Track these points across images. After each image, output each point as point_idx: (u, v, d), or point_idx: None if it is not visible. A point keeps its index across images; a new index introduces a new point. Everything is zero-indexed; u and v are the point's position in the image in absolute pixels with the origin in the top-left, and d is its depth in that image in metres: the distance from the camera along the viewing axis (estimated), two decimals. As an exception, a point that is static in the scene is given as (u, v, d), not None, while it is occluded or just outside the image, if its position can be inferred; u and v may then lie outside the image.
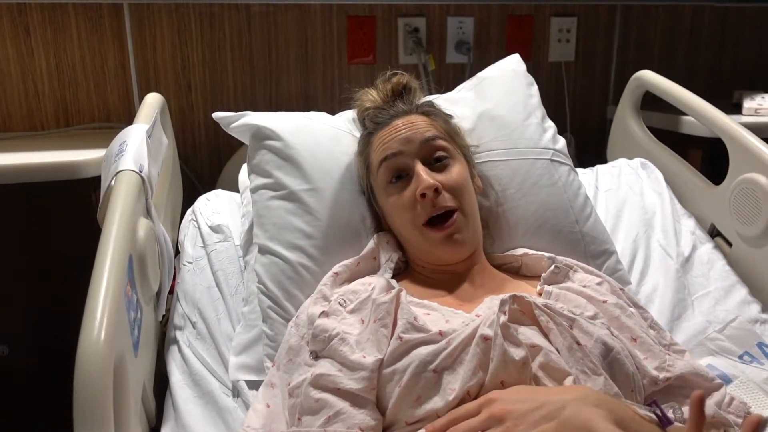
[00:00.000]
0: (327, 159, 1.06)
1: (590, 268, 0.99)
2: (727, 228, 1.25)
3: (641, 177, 1.36)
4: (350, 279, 0.96)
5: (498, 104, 1.17)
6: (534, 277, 0.98)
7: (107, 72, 1.57)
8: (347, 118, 1.15)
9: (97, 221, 0.89)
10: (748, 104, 1.68)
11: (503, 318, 0.78)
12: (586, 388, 0.73)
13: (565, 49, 1.89)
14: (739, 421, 0.81)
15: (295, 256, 1.00)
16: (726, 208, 1.24)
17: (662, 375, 0.82)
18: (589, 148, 1.91)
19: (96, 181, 1.03)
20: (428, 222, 0.92)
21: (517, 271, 1.03)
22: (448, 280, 0.94)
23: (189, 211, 1.22)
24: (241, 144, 1.21)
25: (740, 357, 1.04)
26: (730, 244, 1.25)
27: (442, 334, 0.78)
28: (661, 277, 1.17)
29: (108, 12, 1.54)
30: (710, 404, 0.81)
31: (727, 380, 0.96)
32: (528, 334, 0.79)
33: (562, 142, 1.18)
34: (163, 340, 1.06)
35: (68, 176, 1.19)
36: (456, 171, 0.95)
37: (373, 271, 0.98)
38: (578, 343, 0.78)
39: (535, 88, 1.23)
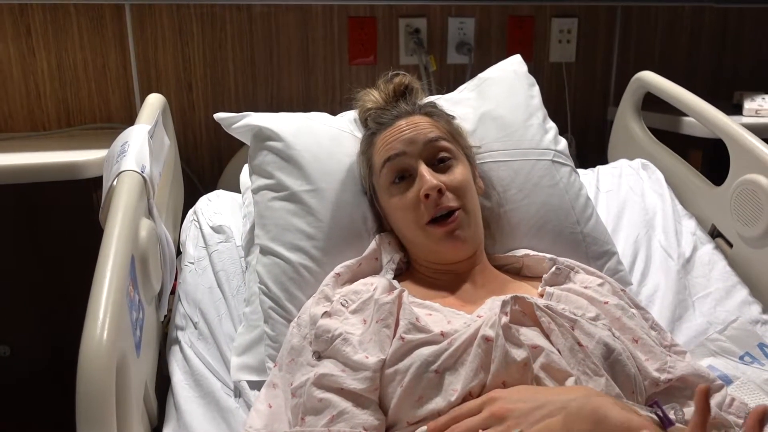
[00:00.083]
0: (328, 160, 1.06)
1: (591, 269, 0.99)
2: (727, 229, 1.26)
3: (642, 178, 1.36)
4: (352, 279, 0.96)
5: (499, 105, 1.17)
6: (535, 278, 0.98)
7: (108, 72, 1.58)
8: (349, 119, 1.15)
9: (99, 222, 0.90)
10: (748, 105, 1.68)
11: (505, 319, 0.78)
12: (587, 388, 0.73)
13: (566, 49, 1.89)
14: (740, 421, 0.81)
15: (297, 257, 1.00)
16: (727, 209, 1.24)
17: (663, 376, 0.83)
18: (590, 148, 1.91)
19: (97, 181, 1.04)
20: (431, 221, 0.92)
21: (518, 272, 1.03)
22: (449, 281, 0.95)
23: (190, 211, 1.22)
24: (242, 144, 1.21)
25: (741, 358, 1.04)
26: (730, 245, 1.25)
27: (443, 335, 0.78)
28: (661, 277, 1.18)
29: (109, 12, 1.54)
30: (711, 405, 0.81)
31: (727, 381, 0.96)
32: (529, 335, 0.79)
33: (563, 143, 1.18)
34: (165, 340, 1.06)
35: (70, 177, 1.19)
36: (459, 172, 0.95)
37: (375, 271, 0.98)
38: (580, 344, 0.78)
39: (536, 89, 1.23)
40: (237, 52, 1.65)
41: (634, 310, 0.91)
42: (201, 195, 1.26)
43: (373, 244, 1.00)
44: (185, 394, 0.96)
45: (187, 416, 0.93)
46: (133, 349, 0.78)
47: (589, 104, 1.96)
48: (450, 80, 1.79)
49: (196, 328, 1.04)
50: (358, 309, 0.86)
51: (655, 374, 0.82)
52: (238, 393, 0.97)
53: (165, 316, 1.04)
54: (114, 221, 0.80)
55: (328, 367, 0.80)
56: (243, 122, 1.12)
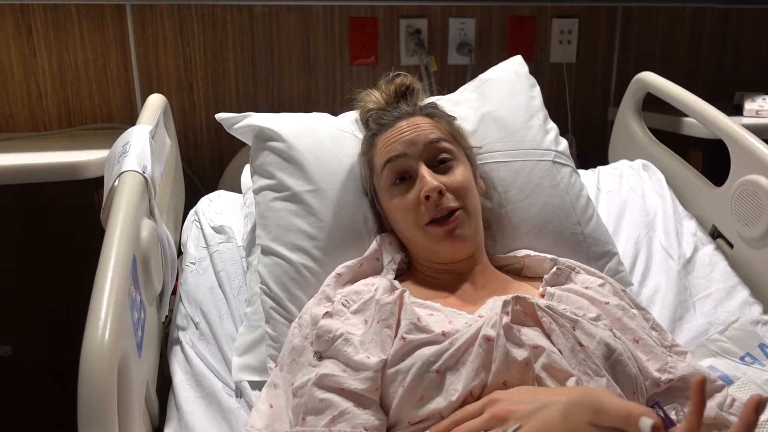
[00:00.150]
0: (329, 160, 1.07)
1: (592, 270, 0.99)
2: (728, 229, 1.26)
3: (643, 178, 1.36)
4: (353, 280, 0.96)
5: (500, 106, 1.17)
6: (536, 278, 0.99)
7: (109, 73, 1.58)
8: (350, 119, 1.16)
9: (100, 222, 0.90)
10: (749, 105, 1.68)
11: (506, 319, 0.79)
12: (588, 388, 0.73)
13: (567, 50, 1.89)
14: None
15: (298, 257, 1.00)
16: (727, 210, 1.24)
17: (664, 376, 0.83)
18: (591, 149, 1.91)
19: (99, 181, 1.04)
20: (431, 222, 0.92)
21: (519, 272, 1.03)
22: (450, 281, 0.95)
23: (192, 211, 1.22)
24: (243, 145, 1.21)
25: (741, 358, 1.04)
26: (731, 246, 1.25)
27: (445, 335, 0.78)
28: (662, 278, 1.18)
29: (110, 13, 1.54)
30: (712, 406, 0.81)
31: (728, 381, 0.96)
32: (530, 335, 0.79)
33: (564, 144, 1.18)
34: (166, 340, 1.07)
35: (71, 177, 1.19)
36: (459, 173, 0.95)
37: (376, 272, 0.98)
38: (581, 345, 0.79)
39: (537, 90, 1.23)
40: (238, 53, 1.65)
41: (634, 311, 0.91)
42: (202, 195, 1.26)
43: (374, 245, 1.00)
44: (186, 394, 0.96)
45: (188, 416, 0.93)
46: (135, 350, 0.78)
47: (590, 105, 1.96)
48: (451, 81, 1.79)
49: (197, 328, 1.04)
50: (360, 309, 0.86)
51: (656, 374, 0.82)
52: (239, 393, 0.97)
53: (166, 316, 1.05)
54: (115, 221, 0.80)
55: (329, 367, 0.80)
56: (244, 122, 1.13)
